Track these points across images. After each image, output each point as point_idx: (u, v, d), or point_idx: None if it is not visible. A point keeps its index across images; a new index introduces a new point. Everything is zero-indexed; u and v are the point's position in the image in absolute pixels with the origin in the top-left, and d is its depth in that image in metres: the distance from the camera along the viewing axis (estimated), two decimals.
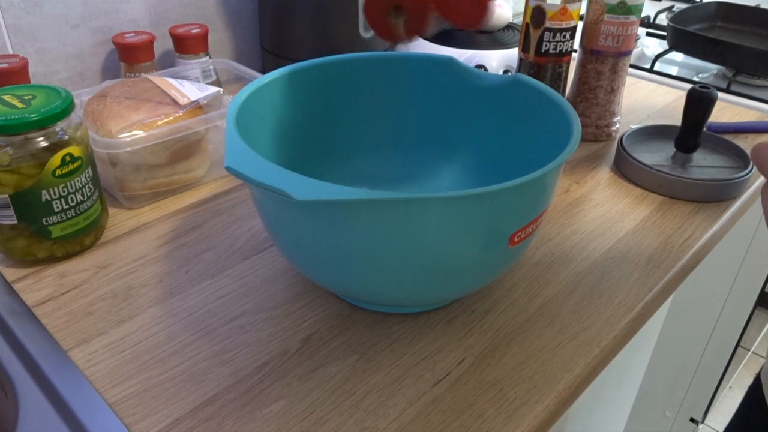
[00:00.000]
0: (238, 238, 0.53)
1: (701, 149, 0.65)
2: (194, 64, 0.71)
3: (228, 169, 0.34)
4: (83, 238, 0.50)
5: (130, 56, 0.69)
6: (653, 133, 0.68)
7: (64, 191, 0.47)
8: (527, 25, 0.64)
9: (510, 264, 0.42)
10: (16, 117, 0.44)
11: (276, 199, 0.37)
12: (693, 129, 0.61)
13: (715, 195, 0.59)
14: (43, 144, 0.45)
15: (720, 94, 0.83)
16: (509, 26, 0.89)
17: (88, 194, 0.49)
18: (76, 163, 0.47)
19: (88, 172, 0.49)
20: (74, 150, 0.47)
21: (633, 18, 0.65)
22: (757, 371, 0.56)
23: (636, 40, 0.88)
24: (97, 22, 0.71)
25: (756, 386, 0.55)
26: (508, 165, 0.49)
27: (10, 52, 0.66)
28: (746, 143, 0.70)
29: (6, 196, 0.45)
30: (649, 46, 1.06)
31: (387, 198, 0.33)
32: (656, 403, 1.02)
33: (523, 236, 0.39)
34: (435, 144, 0.55)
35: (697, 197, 0.59)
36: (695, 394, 1.24)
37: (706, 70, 0.96)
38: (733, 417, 0.60)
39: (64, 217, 0.47)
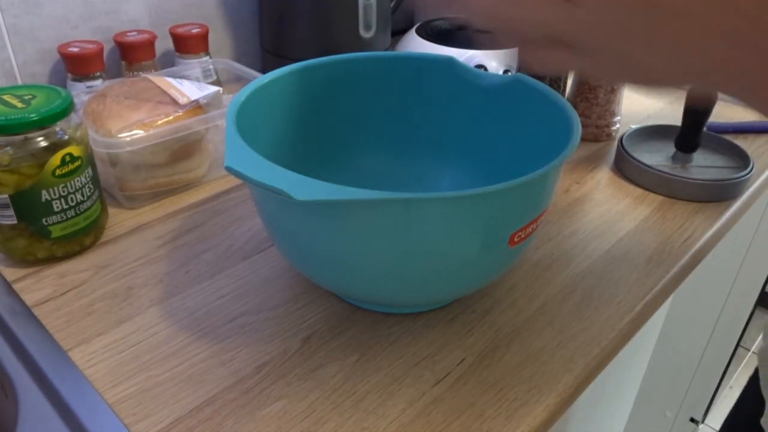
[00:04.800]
0: (238, 238, 0.53)
1: (701, 149, 0.65)
2: (194, 64, 0.71)
3: (228, 169, 0.34)
4: (83, 238, 0.50)
5: (131, 55, 0.69)
6: (653, 133, 0.68)
7: (64, 191, 0.47)
8: None
9: (510, 264, 0.42)
10: (16, 117, 0.44)
11: (276, 199, 0.37)
12: (693, 129, 0.61)
13: (715, 195, 0.59)
14: (43, 144, 0.45)
15: (720, 94, 0.83)
16: None
17: (88, 194, 0.49)
18: (76, 163, 0.47)
19: (88, 172, 0.49)
20: (74, 150, 0.47)
21: None
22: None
23: None
24: (97, 22, 0.71)
25: (754, 378, 0.55)
26: (508, 165, 0.49)
27: (10, 52, 0.66)
28: (746, 143, 0.70)
29: (6, 196, 0.45)
30: None
31: (387, 198, 0.33)
32: (656, 403, 1.02)
33: (523, 236, 0.39)
34: (435, 144, 0.55)
35: (697, 197, 0.59)
36: (695, 394, 1.24)
37: None
38: (732, 407, 0.61)
39: (64, 217, 0.47)
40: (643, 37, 0.26)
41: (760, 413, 0.49)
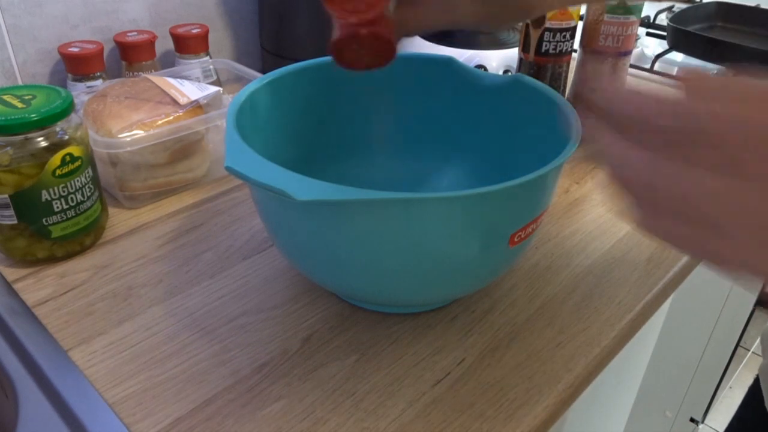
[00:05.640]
0: (238, 238, 0.53)
1: None
2: (195, 64, 0.71)
3: (228, 169, 0.34)
4: (83, 238, 0.50)
5: (131, 55, 0.69)
6: None
7: (64, 191, 0.47)
8: (527, 25, 0.64)
9: (510, 264, 0.42)
10: (16, 117, 0.44)
11: (276, 199, 0.37)
12: None
13: None
14: (43, 144, 0.45)
15: None
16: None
17: (88, 194, 0.49)
18: (76, 163, 0.47)
19: (88, 172, 0.49)
20: (74, 150, 0.47)
21: (633, 18, 0.65)
22: (757, 371, 0.56)
23: (636, 40, 0.88)
24: (97, 22, 0.71)
25: (755, 386, 0.55)
26: (508, 165, 0.49)
27: (10, 52, 0.66)
28: None
29: (6, 196, 0.45)
30: (649, 46, 1.06)
31: (387, 198, 0.33)
32: (656, 403, 1.03)
33: (523, 236, 0.39)
34: (435, 144, 0.55)
35: None
36: (695, 394, 1.24)
37: (706, 70, 0.96)
38: (732, 418, 0.61)
39: (64, 217, 0.47)
40: None
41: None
